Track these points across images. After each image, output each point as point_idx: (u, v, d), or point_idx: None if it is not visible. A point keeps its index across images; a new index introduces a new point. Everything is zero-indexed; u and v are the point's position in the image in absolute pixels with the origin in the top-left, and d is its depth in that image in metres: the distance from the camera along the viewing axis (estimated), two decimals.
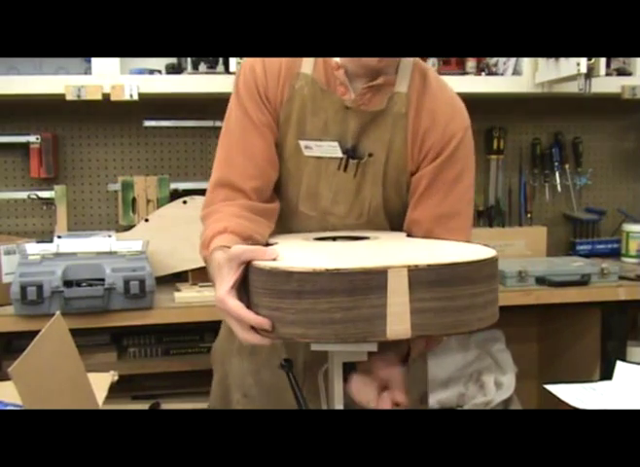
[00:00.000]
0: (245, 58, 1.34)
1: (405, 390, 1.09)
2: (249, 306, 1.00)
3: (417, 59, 1.30)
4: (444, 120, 1.26)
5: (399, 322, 0.92)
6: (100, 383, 1.30)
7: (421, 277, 0.92)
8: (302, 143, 1.26)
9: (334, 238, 1.23)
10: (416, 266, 0.92)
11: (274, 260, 0.99)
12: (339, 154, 1.26)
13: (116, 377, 1.42)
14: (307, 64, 1.26)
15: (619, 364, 1.32)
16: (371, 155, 1.26)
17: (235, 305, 1.00)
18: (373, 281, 0.91)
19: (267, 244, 1.19)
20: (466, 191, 1.29)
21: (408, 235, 1.28)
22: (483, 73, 2.47)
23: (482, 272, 0.97)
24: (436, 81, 1.29)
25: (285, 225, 1.34)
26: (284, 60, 1.27)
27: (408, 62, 1.27)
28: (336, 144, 1.26)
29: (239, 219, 1.20)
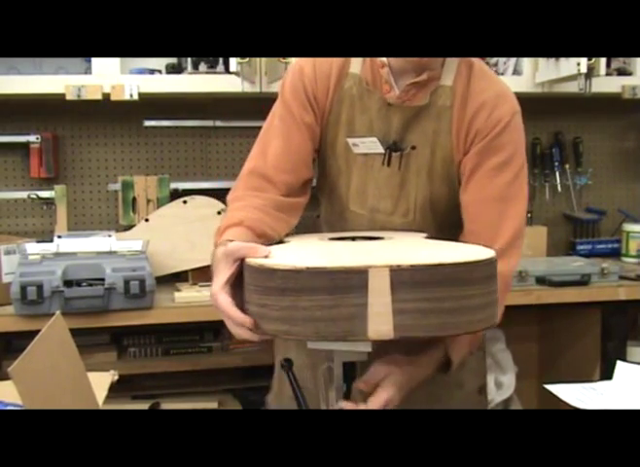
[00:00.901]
0: (294, 59, 1.36)
1: (396, 390, 1.09)
2: (243, 303, 1.01)
3: None
4: (489, 106, 1.24)
5: (381, 322, 0.91)
6: (100, 383, 1.30)
7: (404, 278, 0.91)
8: (350, 141, 1.29)
9: (353, 239, 1.22)
10: (399, 266, 0.91)
11: (266, 257, 1.00)
12: (381, 149, 1.28)
13: (116, 377, 1.42)
14: (356, 64, 1.28)
15: (619, 364, 1.32)
16: (414, 147, 1.27)
17: (224, 302, 1.01)
18: (353, 280, 0.90)
19: (281, 241, 1.21)
20: (515, 177, 1.24)
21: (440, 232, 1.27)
22: None
23: (475, 274, 0.95)
24: (481, 71, 1.28)
25: (337, 225, 1.37)
26: (335, 60, 1.29)
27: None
28: (375, 140, 1.27)
29: (260, 213, 1.22)
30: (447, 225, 1.31)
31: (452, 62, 1.26)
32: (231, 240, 1.09)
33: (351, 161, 1.31)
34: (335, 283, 0.90)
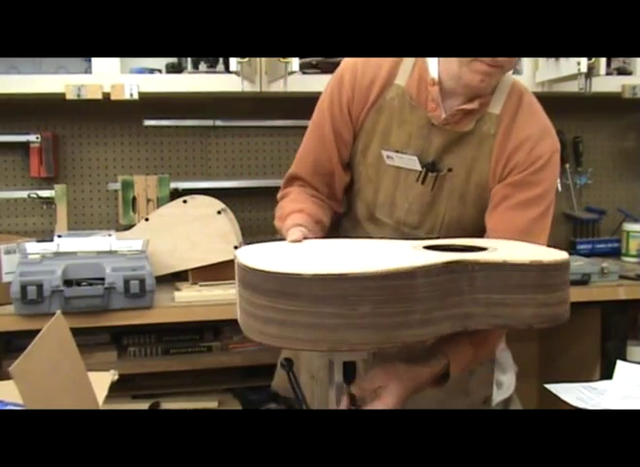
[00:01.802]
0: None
1: (395, 401, 1.08)
2: None
3: (516, 80, 1.30)
4: (533, 141, 1.25)
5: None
6: (100, 383, 1.30)
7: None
8: (385, 153, 1.30)
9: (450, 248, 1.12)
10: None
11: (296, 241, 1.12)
12: (418, 167, 1.28)
13: (116, 377, 1.42)
14: (402, 75, 1.27)
15: (619, 363, 1.32)
16: (450, 170, 1.28)
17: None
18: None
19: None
20: (543, 213, 1.27)
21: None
22: None
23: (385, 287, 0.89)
24: (530, 104, 1.29)
25: (360, 230, 1.39)
26: (384, 66, 1.28)
27: (507, 83, 1.27)
28: (415, 158, 1.28)
29: (313, 204, 1.32)
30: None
31: (503, 90, 1.26)
32: (301, 224, 1.20)
33: (382, 172, 1.31)
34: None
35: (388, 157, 1.29)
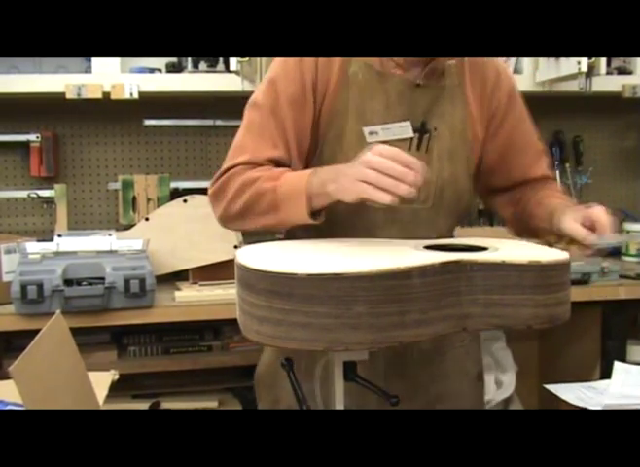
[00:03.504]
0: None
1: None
2: None
3: None
4: (497, 73, 1.30)
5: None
6: (101, 382, 1.30)
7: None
8: (367, 129, 1.22)
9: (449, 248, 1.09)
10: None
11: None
12: (411, 133, 1.23)
13: (116, 376, 1.42)
14: None
15: (616, 364, 1.33)
16: (435, 129, 1.25)
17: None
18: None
19: None
20: (525, 110, 1.35)
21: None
22: None
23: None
24: None
25: (350, 219, 1.25)
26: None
27: None
28: (407, 124, 1.23)
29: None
30: (467, 207, 1.34)
31: None
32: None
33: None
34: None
35: (371, 133, 1.22)
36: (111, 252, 1.95)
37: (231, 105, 2.46)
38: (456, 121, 1.27)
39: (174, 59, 2.37)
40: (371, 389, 1.06)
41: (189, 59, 2.30)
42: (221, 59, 2.29)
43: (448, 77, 1.26)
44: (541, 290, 0.98)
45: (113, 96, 2.17)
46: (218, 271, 2.09)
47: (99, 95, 2.16)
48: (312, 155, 1.25)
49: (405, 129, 1.23)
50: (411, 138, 1.24)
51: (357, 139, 1.22)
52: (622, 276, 2.31)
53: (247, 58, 1.99)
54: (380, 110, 1.23)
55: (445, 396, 1.33)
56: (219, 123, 2.51)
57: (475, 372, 1.41)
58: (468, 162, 1.30)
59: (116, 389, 1.39)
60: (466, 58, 1.28)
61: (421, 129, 1.24)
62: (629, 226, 2.63)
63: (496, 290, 0.98)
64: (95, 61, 2.17)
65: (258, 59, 2.14)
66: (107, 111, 2.40)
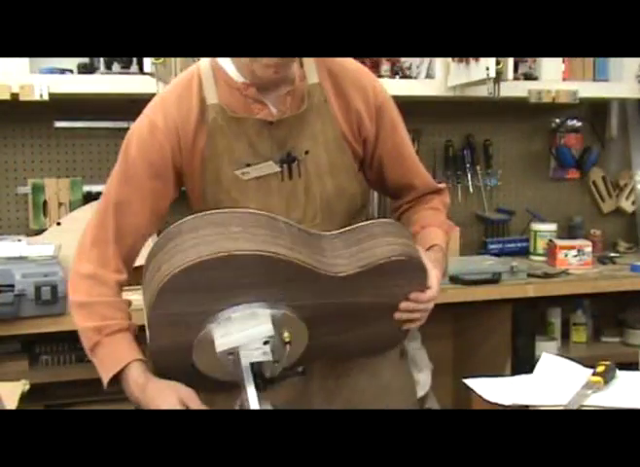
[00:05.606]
0: (206, 59, 1.29)
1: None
2: None
3: None
4: (364, 87, 1.31)
5: None
6: (10, 393, 1.26)
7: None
8: (239, 172, 1.27)
9: None
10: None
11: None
12: (277, 168, 1.28)
13: (27, 387, 1.38)
14: (211, 94, 1.25)
15: (544, 355, 1.38)
16: (307, 152, 1.28)
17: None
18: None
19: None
20: (402, 123, 1.39)
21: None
22: (397, 76, 2.52)
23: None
24: (334, 61, 1.31)
25: None
26: (194, 96, 1.26)
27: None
28: (270, 163, 1.27)
29: (121, 311, 1.35)
30: (349, 216, 1.34)
31: (309, 60, 1.28)
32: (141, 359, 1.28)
33: (244, 189, 1.28)
34: None
35: (244, 173, 1.28)
36: (21, 258, 1.90)
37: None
38: (329, 137, 1.29)
39: (86, 60, 2.31)
40: (281, 377, 1.16)
41: (101, 60, 2.25)
42: (134, 60, 2.25)
43: (313, 96, 1.28)
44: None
45: (22, 97, 2.10)
46: (134, 277, 2.05)
47: (7, 96, 2.10)
48: (200, 197, 1.31)
49: (270, 166, 1.28)
50: (281, 171, 1.28)
51: (234, 178, 1.28)
52: (530, 275, 2.40)
53: (162, 59, 1.97)
54: (246, 148, 1.27)
55: (366, 366, 1.37)
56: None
57: (396, 351, 1.44)
58: (353, 169, 1.33)
59: (28, 400, 1.36)
60: (328, 76, 1.29)
61: (288, 159, 1.28)
62: (537, 226, 2.74)
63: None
64: (2, 61, 2.10)
65: (173, 60, 2.12)
66: (16, 112, 2.33)
